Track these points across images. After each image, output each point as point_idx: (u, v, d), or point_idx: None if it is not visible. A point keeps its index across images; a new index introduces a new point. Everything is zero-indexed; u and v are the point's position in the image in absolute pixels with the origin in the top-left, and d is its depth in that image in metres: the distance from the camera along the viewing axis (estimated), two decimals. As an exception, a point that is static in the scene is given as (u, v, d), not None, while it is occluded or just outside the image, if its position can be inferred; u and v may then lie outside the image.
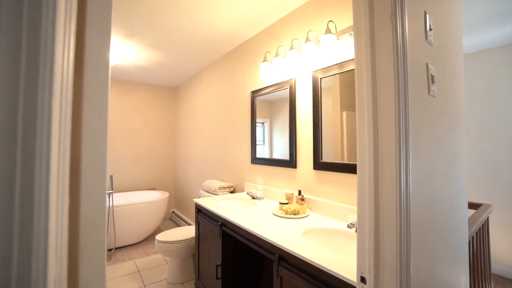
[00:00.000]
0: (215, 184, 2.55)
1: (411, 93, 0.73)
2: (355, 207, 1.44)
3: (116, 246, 3.07)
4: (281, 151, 2.03)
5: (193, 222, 3.57)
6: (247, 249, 1.81)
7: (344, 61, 1.52)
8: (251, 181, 2.34)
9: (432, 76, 0.84)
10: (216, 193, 2.47)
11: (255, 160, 2.26)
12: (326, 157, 1.63)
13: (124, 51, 2.75)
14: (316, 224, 1.44)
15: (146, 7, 1.91)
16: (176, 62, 3.15)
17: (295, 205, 1.61)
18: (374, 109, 0.75)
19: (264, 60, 2.00)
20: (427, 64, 0.83)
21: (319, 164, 1.66)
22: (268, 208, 1.79)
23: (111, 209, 2.96)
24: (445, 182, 0.94)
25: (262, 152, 2.23)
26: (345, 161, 1.52)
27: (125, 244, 3.14)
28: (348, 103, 1.55)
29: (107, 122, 0.60)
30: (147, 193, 3.84)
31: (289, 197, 1.76)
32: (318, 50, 1.65)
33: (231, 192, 2.56)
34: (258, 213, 1.67)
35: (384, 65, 0.73)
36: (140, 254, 2.98)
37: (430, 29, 0.83)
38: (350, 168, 1.47)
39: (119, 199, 3.69)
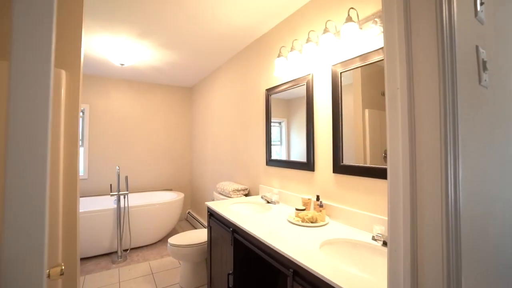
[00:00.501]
0: (229, 186, 2.46)
1: (459, 83, 0.58)
2: (382, 217, 1.30)
3: (132, 246, 3.07)
4: (299, 153, 1.89)
5: (204, 221, 3.51)
6: (260, 258, 1.69)
7: (367, 53, 1.36)
8: (266, 184, 2.22)
9: (484, 62, 0.67)
10: (230, 195, 2.38)
11: (270, 162, 2.14)
12: (347, 160, 1.48)
13: (138, 52, 2.74)
14: (336, 234, 1.30)
15: (158, 5, 1.86)
16: (190, 62, 3.10)
17: (312, 212, 1.47)
18: (410, 103, 0.60)
19: (278, 56, 1.87)
20: (477, 48, 0.67)
21: (339, 167, 1.51)
22: (283, 214, 1.67)
23: (126, 209, 2.97)
24: (507, 192, 0.77)
25: (279, 152, 2.11)
26: (369, 164, 1.36)
27: (140, 245, 3.14)
28: (371, 100, 1.39)
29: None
30: (163, 194, 3.84)
31: (306, 203, 1.62)
32: (338, 42, 1.50)
33: (246, 195, 2.45)
34: (272, 220, 1.55)
35: (424, 49, 0.59)
36: (155, 255, 2.96)
37: (482, 3, 0.67)
38: (375, 173, 1.31)
39: (135, 200, 3.72)
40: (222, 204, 1.97)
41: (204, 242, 2.24)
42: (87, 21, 2.11)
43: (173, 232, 3.69)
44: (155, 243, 3.29)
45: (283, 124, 2.09)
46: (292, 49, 1.75)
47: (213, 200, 2.71)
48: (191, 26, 2.19)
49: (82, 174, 3.60)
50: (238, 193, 2.39)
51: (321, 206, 1.51)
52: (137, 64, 3.14)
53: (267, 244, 1.21)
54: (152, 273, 2.56)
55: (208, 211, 1.99)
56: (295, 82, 1.88)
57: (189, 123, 4.46)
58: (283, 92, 2.03)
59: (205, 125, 3.76)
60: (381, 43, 1.30)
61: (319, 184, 1.66)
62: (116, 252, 2.92)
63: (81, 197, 3.48)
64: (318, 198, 1.56)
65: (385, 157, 1.31)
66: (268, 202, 1.97)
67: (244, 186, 2.46)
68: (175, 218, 3.40)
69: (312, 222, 1.43)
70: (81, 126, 3.68)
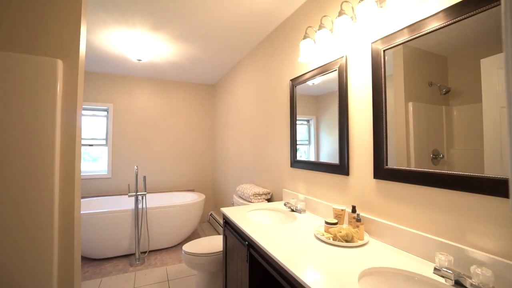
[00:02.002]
0: (249, 189, 2.21)
1: None
2: (447, 241, 0.94)
3: (151, 249, 2.97)
4: (329, 153, 1.59)
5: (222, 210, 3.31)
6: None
7: (422, 20, 1.02)
8: (291, 188, 1.93)
9: None
10: (250, 200, 2.13)
11: (295, 163, 1.85)
12: (393, 162, 1.15)
13: (154, 45, 2.60)
14: (381, 261, 0.98)
15: (167, -14, 1.67)
16: (210, 56, 2.91)
17: (347, 228, 1.16)
18: None
19: (304, 37, 1.57)
20: None
21: (382, 172, 1.18)
22: (310, 227, 1.37)
23: (144, 210, 2.87)
24: None
25: (307, 153, 1.81)
26: (414, 168, 1.04)
27: (159, 248, 3.02)
28: (415, 91, 1.09)
29: None
30: (183, 195, 3.71)
31: (339, 215, 1.31)
32: (381, 12, 1.17)
33: (268, 200, 2.19)
34: (296, 234, 1.27)
35: None
36: (173, 260, 2.81)
37: None
38: (439, 180, 0.97)
39: (154, 201, 3.64)
40: (239, 211, 1.72)
41: (220, 251, 2.01)
42: (100, 14, 2.00)
43: (194, 234, 3.54)
44: (175, 246, 3.16)
45: (312, 122, 1.80)
46: (320, 27, 1.44)
47: (232, 204, 2.48)
48: (206, 15, 1.98)
49: (106, 173, 3.61)
50: (259, 197, 2.14)
51: (358, 220, 1.19)
52: (155, 60, 3.02)
53: (288, 271, 0.94)
54: (168, 280, 2.40)
55: (223, 219, 1.76)
56: (324, 69, 1.58)
57: (212, 122, 4.30)
58: (310, 84, 1.72)
59: (227, 124, 3.56)
60: (442, 4, 0.95)
61: (355, 192, 1.34)
62: (134, 254, 2.83)
63: (104, 196, 3.48)
64: (354, 209, 1.25)
65: (435, 158, 0.97)
66: (292, 210, 1.69)
67: (266, 190, 2.19)
68: (196, 220, 3.24)
69: (347, 241, 1.12)
70: (105, 125, 3.69)
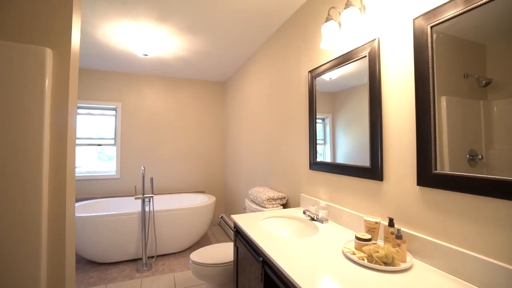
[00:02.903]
0: (263, 193, 2.01)
1: None
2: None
3: (158, 253, 2.83)
4: (347, 154, 1.41)
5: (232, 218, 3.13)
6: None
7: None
8: (310, 193, 1.72)
9: None
10: (263, 205, 1.93)
11: (315, 165, 1.64)
12: (442, 166, 0.92)
13: (159, 39, 2.44)
14: (436, 295, 0.76)
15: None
16: (220, 50, 2.73)
17: (386, 247, 0.93)
18: None
19: (326, 20, 1.36)
20: None
21: (430, 178, 0.95)
22: (336, 242, 1.16)
23: (151, 213, 2.73)
24: None
25: (323, 153, 1.60)
26: (448, 171, 0.86)
27: (167, 253, 2.88)
28: (448, 83, 0.92)
29: None
30: (193, 197, 3.56)
31: (372, 229, 1.09)
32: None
33: (283, 206, 1.98)
34: (320, 250, 1.06)
35: None
36: (181, 266, 2.66)
37: None
38: (505, 189, 0.74)
39: (163, 203, 3.50)
40: (252, 219, 1.53)
41: (231, 262, 1.83)
42: (102, 5, 1.86)
43: (203, 238, 3.39)
44: (183, 251, 3.00)
45: (327, 121, 1.60)
46: (347, 5, 1.22)
47: (244, 209, 2.30)
48: (214, 4, 1.80)
49: (115, 173, 3.51)
50: (273, 202, 1.93)
51: (398, 237, 0.96)
52: (162, 55, 2.87)
53: (315, 305, 0.73)
54: (176, 290, 2.24)
55: (234, 227, 1.57)
56: (349, 56, 1.35)
57: (222, 121, 4.13)
58: (327, 79, 1.50)
59: (239, 123, 3.37)
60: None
61: (392, 201, 1.11)
62: (141, 259, 2.70)
63: (113, 197, 3.37)
64: (391, 222, 1.02)
65: (472, 160, 0.84)
66: (312, 219, 1.48)
67: (282, 194, 1.98)
68: (206, 224, 3.07)
69: (386, 264, 0.90)
70: (114, 124, 3.59)
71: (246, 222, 1.46)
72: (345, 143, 1.44)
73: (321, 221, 1.43)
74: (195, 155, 3.93)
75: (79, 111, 3.47)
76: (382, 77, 1.18)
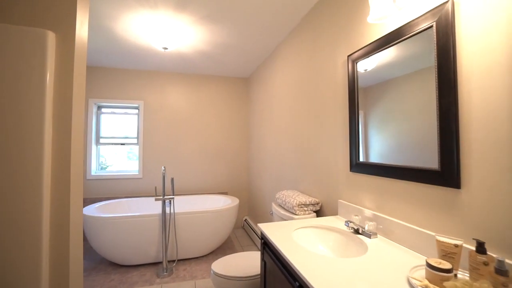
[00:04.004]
0: (293, 198, 1.77)
1: None
2: None
3: (179, 258, 2.69)
4: (383, 153, 1.22)
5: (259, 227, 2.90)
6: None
7: None
8: (350, 199, 1.45)
9: None
10: (294, 212, 1.69)
11: (358, 166, 1.37)
12: None
13: (179, 30, 2.29)
14: None
15: None
16: (243, 41, 2.53)
17: (486, 285, 0.66)
18: None
19: (378, -14, 1.09)
20: None
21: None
22: (394, 265, 0.90)
23: (172, 216, 2.59)
24: None
25: (361, 153, 1.33)
26: None
27: (188, 257, 2.73)
28: None
29: None
30: (216, 198, 3.40)
31: (451, 254, 0.81)
32: None
33: (316, 213, 1.73)
34: (376, 278, 0.81)
35: None
36: (203, 272, 2.49)
37: None
38: None
39: (184, 205, 3.37)
40: (282, 228, 1.30)
41: (257, 275, 1.61)
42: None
43: (226, 242, 3.21)
44: (205, 255, 2.85)
45: (360, 118, 1.35)
46: (408, -38, 0.95)
47: (271, 215, 2.07)
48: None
49: (137, 173, 3.45)
50: (305, 209, 1.69)
51: (501, 271, 0.67)
52: (183, 49, 2.72)
53: None
54: (197, 300, 2.08)
55: (261, 238, 1.35)
56: (404, 31, 1.07)
57: (245, 119, 3.94)
58: (362, 71, 1.23)
59: (263, 120, 3.15)
60: None
61: (477, 216, 0.82)
62: (162, 263, 2.57)
63: (135, 197, 3.31)
64: (481, 248, 0.74)
65: None
66: (356, 232, 1.21)
67: (315, 199, 1.73)
68: (229, 227, 2.89)
69: (482, 309, 0.63)
70: (137, 123, 3.54)
71: (276, 233, 1.24)
72: (380, 142, 1.25)
73: (368, 235, 1.16)
74: (217, 154, 3.78)
75: (103, 110, 3.45)
76: (457, 53, 0.89)
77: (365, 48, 1.31)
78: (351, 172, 1.43)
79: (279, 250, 1.07)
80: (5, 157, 0.92)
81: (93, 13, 2.01)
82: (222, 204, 3.21)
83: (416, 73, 1.05)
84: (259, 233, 3.04)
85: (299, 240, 1.26)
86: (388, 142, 1.19)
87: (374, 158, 1.27)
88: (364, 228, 1.19)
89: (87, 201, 3.25)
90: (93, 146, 3.34)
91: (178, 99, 3.64)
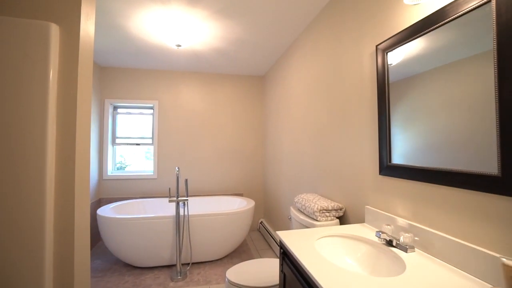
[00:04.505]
0: (313, 202, 1.64)
1: None
2: None
3: (193, 261, 2.62)
4: (407, 154, 1.10)
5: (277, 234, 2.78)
6: None
7: None
8: (380, 206, 1.30)
9: None
10: (314, 217, 1.56)
11: (389, 169, 1.21)
12: None
13: (192, 26, 2.21)
14: None
15: None
16: (259, 36, 2.41)
17: None
18: None
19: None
20: None
21: None
22: (443, 291, 0.75)
23: (185, 218, 2.52)
24: None
25: (399, 154, 1.17)
26: None
27: (202, 260, 2.66)
28: None
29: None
30: (231, 200, 3.31)
31: (520, 280, 0.66)
32: None
33: (339, 219, 1.58)
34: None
35: None
36: (217, 277, 2.41)
37: None
38: None
39: (198, 206, 3.30)
40: (303, 237, 1.17)
41: (274, 286, 1.49)
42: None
43: (242, 246, 3.11)
44: (220, 259, 2.76)
45: (391, 116, 1.20)
46: None
47: (289, 219, 1.95)
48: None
49: (152, 173, 3.43)
50: (327, 214, 1.55)
51: None
52: (196, 46, 2.65)
53: None
54: (211, 307, 1.99)
55: (280, 247, 1.23)
56: (448, 12, 0.91)
57: (261, 119, 3.83)
58: (392, 61, 1.07)
59: (279, 120, 3.03)
60: None
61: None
62: (176, 265, 2.51)
63: (149, 197, 3.29)
64: None
65: None
66: (389, 244, 1.07)
67: (338, 204, 1.59)
68: (244, 230, 2.79)
69: None
70: (151, 123, 3.52)
71: (297, 242, 1.11)
72: (404, 141, 1.14)
73: (404, 249, 1.01)
74: (232, 154, 3.69)
75: (119, 110, 3.46)
76: (522, 31, 0.73)
77: (397, 35, 1.16)
78: (380, 176, 1.28)
79: (301, 264, 0.94)
80: (5, 159, 0.85)
81: (105, 12, 1.97)
82: (238, 206, 3.12)
83: (459, 63, 0.89)
84: (276, 238, 2.92)
85: (323, 251, 1.13)
86: (420, 142, 1.04)
87: (406, 160, 1.13)
88: (398, 240, 1.04)
89: (103, 201, 3.27)
90: (109, 146, 3.35)
91: (193, 98, 3.58)
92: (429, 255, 0.98)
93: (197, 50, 2.77)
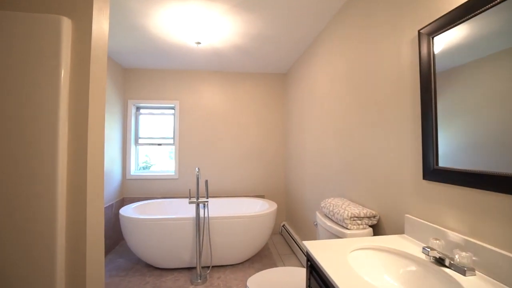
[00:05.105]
0: (342, 208, 1.49)
1: None
2: None
3: (214, 264, 2.55)
4: (454, 154, 0.90)
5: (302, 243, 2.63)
6: None
7: None
8: (424, 216, 1.12)
9: None
10: (345, 225, 1.41)
11: (436, 174, 1.04)
12: None
13: (211, 22, 2.13)
14: None
15: None
16: (280, 30, 2.29)
17: None
18: None
19: None
20: None
21: None
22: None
23: (206, 220, 2.46)
24: None
25: (448, 155, 0.99)
26: None
27: (223, 264, 2.58)
28: None
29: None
30: (252, 202, 3.21)
31: None
32: None
33: (372, 227, 1.42)
34: None
35: None
36: (238, 282, 2.31)
37: None
38: None
39: (219, 208, 3.23)
40: (334, 248, 1.03)
41: (301, 300, 1.37)
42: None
43: (263, 250, 3.00)
44: (241, 263, 2.67)
45: (437, 111, 1.02)
46: None
47: (315, 224, 1.80)
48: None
49: (173, 173, 3.43)
50: (359, 222, 1.39)
51: None
52: (216, 44, 2.57)
53: None
54: (231, 315, 1.90)
55: (307, 259, 1.10)
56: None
57: (283, 118, 3.69)
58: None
59: (303, 119, 2.88)
60: None
61: None
62: (195, 268, 2.46)
63: (170, 198, 3.29)
64: None
65: None
66: (440, 263, 0.90)
67: (370, 211, 1.42)
68: (266, 234, 2.68)
69: None
70: (172, 123, 3.52)
71: (327, 255, 0.98)
72: (456, 139, 0.95)
73: (462, 271, 0.84)
74: (254, 155, 3.59)
75: (141, 111, 3.50)
76: None
77: (446, 16, 0.98)
78: (425, 181, 1.11)
79: (333, 281, 0.81)
80: (16, 159, 0.81)
81: (126, 12, 1.95)
82: (259, 208, 3.01)
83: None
84: (300, 243, 2.78)
85: (357, 267, 0.98)
86: (476, 140, 0.86)
87: (446, 161, 0.97)
88: (452, 259, 0.87)
89: (126, 200, 3.31)
90: (132, 147, 3.40)
91: (213, 98, 3.53)
92: (495, 281, 0.80)
93: (217, 48, 2.70)
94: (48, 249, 0.83)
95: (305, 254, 1.12)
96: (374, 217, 1.42)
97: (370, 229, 1.39)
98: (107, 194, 2.90)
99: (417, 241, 1.11)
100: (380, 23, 1.45)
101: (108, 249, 2.90)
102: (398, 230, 1.27)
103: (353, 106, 1.74)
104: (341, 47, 1.91)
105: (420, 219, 1.12)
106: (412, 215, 1.18)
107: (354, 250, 1.05)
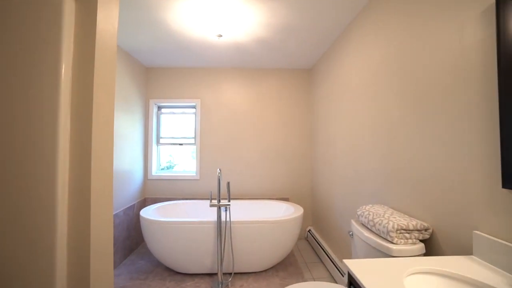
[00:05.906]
0: (385, 218, 1.27)
1: None
2: None
3: (236, 271, 2.41)
4: None
5: (331, 251, 2.41)
6: None
7: None
8: (504, 235, 0.89)
9: None
10: (389, 238, 1.19)
11: (523, 180, 0.80)
12: None
13: (233, 12, 1.98)
14: None
15: None
16: (307, 20, 2.09)
17: None
18: None
19: None
20: None
21: None
22: None
23: (227, 224, 2.32)
24: None
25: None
26: None
27: (246, 271, 2.43)
28: None
29: None
30: (276, 205, 3.03)
31: None
32: None
33: (424, 242, 1.19)
34: None
35: None
36: (262, 292, 2.15)
37: None
38: None
39: (241, 211, 3.08)
40: (384, 269, 0.83)
41: (338, 325, 1.17)
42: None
43: (289, 257, 2.81)
44: (265, 270, 2.50)
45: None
46: None
47: (350, 234, 1.59)
48: None
49: (195, 174, 3.34)
50: (407, 236, 1.17)
51: None
52: (238, 37, 2.42)
53: None
54: (255, 330, 1.74)
55: (349, 280, 0.91)
56: None
57: (309, 116, 3.47)
58: None
59: (331, 117, 2.66)
60: None
61: None
62: (217, 274, 2.33)
63: (192, 199, 3.20)
64: None
65: None
66: (537, 302, 0.67)
67: (421, 222, 1.19)
68: (292, 240, 2.49)
69: None
70: (194, 122, 3.44)
71: (375, 278, 0.78)
72: None
73: None
74: (278, 155, 3.41)
75: (163, 110, 3.45)
76: None
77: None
78: (506, 190, 0.87)
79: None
80: (11, 159, 0.71)
81: (145, 7, 1.87)
82: (284, 212, 2.83)
83: None
84: (326, 248, 2.56)
85: (417, 298, 0.78)
86: None
87: None
88: (559, 298, 0.64)
89: (148, 201, 3.28)
90: (154, 146, 3.36)
91: (235, 95, 3.40)
92: None
93: (239, 42, 2.56)
94: (48, 259, 0.72)
95: (346, 275, 0.93)
96: (426, 230, 1.19)
97: (422, 245, 1.16)
98: (128, 194, 2.87)
99: (493, 266, 0.88)
100: (430, 8, 1.21)
101: (130, 250, 2.87)
102: (462, 249, 1.03)
103: (392, 102, 1.51)
104: (377, 35, 1.68)
105: (497, 238, 0.89)
106: (483, 232, 0.94)
107: (411, 274, 0.84)
